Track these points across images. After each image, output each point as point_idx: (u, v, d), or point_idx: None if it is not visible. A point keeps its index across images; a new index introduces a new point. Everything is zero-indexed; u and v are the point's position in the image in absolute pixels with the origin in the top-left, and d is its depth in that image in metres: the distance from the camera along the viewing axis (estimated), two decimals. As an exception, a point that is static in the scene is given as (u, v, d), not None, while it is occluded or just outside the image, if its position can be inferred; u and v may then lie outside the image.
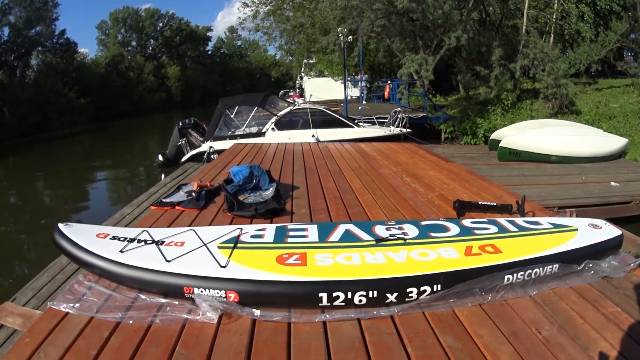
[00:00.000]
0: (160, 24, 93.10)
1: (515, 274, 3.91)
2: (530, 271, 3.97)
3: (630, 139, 15.87)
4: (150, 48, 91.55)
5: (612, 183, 11.37)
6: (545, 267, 4.02)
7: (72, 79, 57.53)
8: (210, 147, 16.76)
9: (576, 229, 4.65)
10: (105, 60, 73.35)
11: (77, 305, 3.65)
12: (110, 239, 4.21)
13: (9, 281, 9.91)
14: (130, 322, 3.45)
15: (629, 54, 33.55)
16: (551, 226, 4.75)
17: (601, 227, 4.76)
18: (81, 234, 4.19)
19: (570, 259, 4.16)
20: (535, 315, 3.62)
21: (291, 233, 4.48)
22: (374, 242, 4.23)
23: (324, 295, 3.57)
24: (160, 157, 18.46)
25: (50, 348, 3.19)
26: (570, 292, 3.99)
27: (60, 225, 4.27)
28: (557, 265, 4.06)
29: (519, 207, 5.98)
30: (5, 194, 20.81)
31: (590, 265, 4.22)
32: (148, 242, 4.22)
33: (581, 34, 29.61)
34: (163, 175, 13.87)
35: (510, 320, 3.55)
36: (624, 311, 3.69)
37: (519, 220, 4.93)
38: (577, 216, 7.44)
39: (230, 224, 5.61)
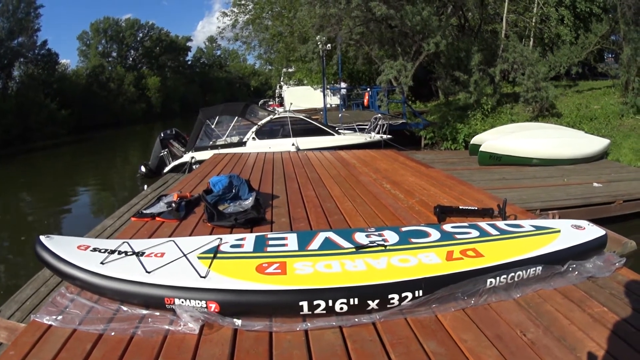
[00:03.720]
0: (141, 34, 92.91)
1: (497, 278, 3.94)
2: (513, 274, 4.00)
3: (612, 139, 16.05)
4: (131, 59, 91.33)
5: (595, 184, 11.46)
6: (529, 270, 4.06)
7: (54, 90, 57.22)
8: (192, 157, 16.74)
9: (559, 231, 4.69)
10: (86, 71, 72.99)
11: (59, 317, 3.64)
12: (91, 250, 4.19)
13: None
14: (113, 334, 3.45)
15: (610, 55, 33.82)
16: (533, 228, 4.79)
17: (584, 228, 4.82)
18: (62, 246, 4.18)
19: (553, 260, 4.20)
20: (520, 318, 3.65)
21: (271, 242, 4.48)
22: (354, 250, 4.24)
23: (304, 304, 3.57)
24: (143, 168, 18.44)
25: (35, 361, 3.19)
26: (555, 294, 4.03)
27: (42, 237, 4.24)
28: (540, 268, 4.10)
29: (500, 211, 5.99)
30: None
31: (574, 266, 4.26)
32: (129, 253, 4.20)
33: (561, 37, 29.81)
34: (146, 186, 13.83)
35: (494, 323, 3.58)
36: (611, 310, 3.73)
37: (501, 224, 4.97)
38: (559, 218, 7.51)
39: (210, 234, 5.59)
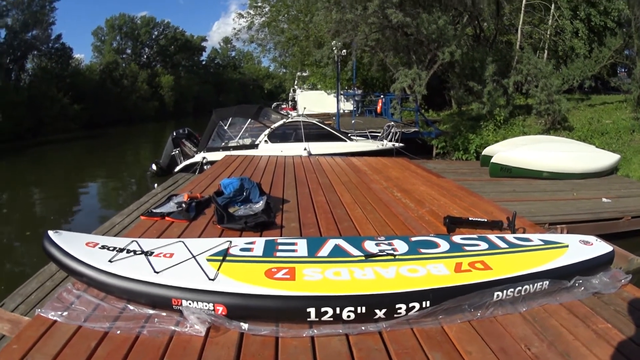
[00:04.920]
0: (156, 33, 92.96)
1: (505, 291, 3.92)
2: (520, 288, 3.98)
3: (622, 155, 15.96)
4: (145, 56, 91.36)
5: (604, 199, 11.40)
6: (536, 284, 4.04)
7: (67, 84, 57.12)
8: (204, 157, 16.74)
9: (567, 246, 4.67)
10: (99, 67, 73.00)
11: (65, 313, 3.65)
12: (100, 248, 4.21)
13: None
14: (118, 332, 3.45)
15: (623, 70, 33.63)
16: (542, 243, 4.77)
17: (592, 244, 4.79)
18: (71, 242, 4.19)
19: (560, 275, 4.19)
20: (525, 331, 3.63)
21: (280, 247, 4.48)
22: (364, 258, 4.23)
23: (312, 310, 3.57)
24: (154, 167, 18.51)
25: (38, 356, 3.19)
26: (561, 309, 4.01)
27: (50, 233, 4.25)
28: (547, 282, 4.08)
29: (509, 224, 5.99)
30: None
31: (581, 281, 4.24)
32: (137, 252, 4.22)
33: (575, 50, 29.73)
34: (156, 185, 13.82)
35: (499, 336, 3.56)
36: (614, 327, 3.70)
37: (510, 237, 4.95)
38: (568, 232, 7.49)
39: (220, 236, 5.61)
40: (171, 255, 4.19)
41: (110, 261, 3.97)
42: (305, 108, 24.23)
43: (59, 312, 3.65)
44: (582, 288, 4.23)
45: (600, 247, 4.72)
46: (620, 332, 3.63)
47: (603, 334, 3.61)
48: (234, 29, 49.90)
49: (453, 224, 6.20)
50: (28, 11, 54.73)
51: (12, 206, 18.57)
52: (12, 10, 53.19)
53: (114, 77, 71.19)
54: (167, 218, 6.47)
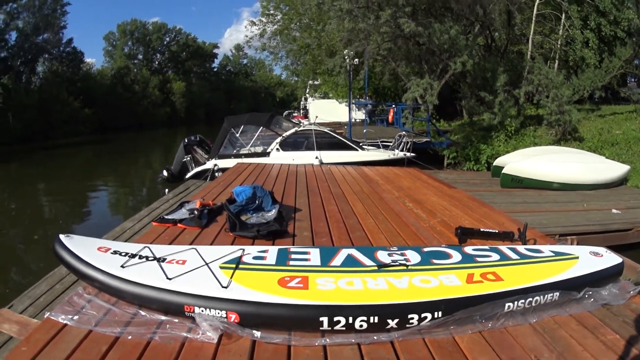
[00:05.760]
0: (167, 39, 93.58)
1: (516, 302, 3.93)
2: (531, 299, 3.99)
3: (632, 165, 15.93)
4: (157, 62, 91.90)
5: (614, 210, 11.37)
6: (546, 295, 4.05)
7: (78, 88, 57.69)
8: (215, 164, 16.78)
9: (577, 257, 4.68)
10: (111, 71, 73.64)
11: (75, 317, 3.67)
12: (112, 253, 4.24)
13: (6, 288, 9.86)
14: (129, 337, 3.46)
15: (633, 80, 33.65)
16: (552, 254, 4.78)
17: (602, 255, 4.81)
18: (82, 247, 4.22)
19: (571, 287, 4.19)
20: (535, 343, 3.63)
21: (293, 256, 4.50)
22: (376, 268, 4.24)
23: (324, 320, 3.58)
24: (165, 173, 18.53)
25: (48, 359, 3.21)
26: (570, 320, 4.01)
27: (62, 236, 4.28)
28: (557, 293, 4.09)
29: (520, 235, 5.98)
30: (6, 200, 20.80)
31: (590, 293, 4.25)
32: (149, 258, 4.24)
33: (585, 60, 29.63)
34: (167, 190, 13.86)
35: (509, 347, 3.56)
36: (623, 338, 3.71)
37: (521, 248, 4.96)
38: (578, 244, 7.49)
39: (232, 244, 5.63)
40: (184, 262, 4.21)
41: (122, 266, 3.99)
42: (317, 117, 24.24)
43: (70, 316, 3.67)
44: (592, 299, 4.25)
45: (610, 259, 4.74)
46: (629, 344, 3.64)
47: (612, 345, 3.62)
48: (246, 36, 50.40)
49: (464, 235, 6.20)
50: (39, 14, 55.38)
51: (21, 208, 18.62)
52: (23, 13, 53.77)
53: (125, 82, 71.75)
54: (179, 225, 6.47)
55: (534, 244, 5.75)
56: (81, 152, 40.76)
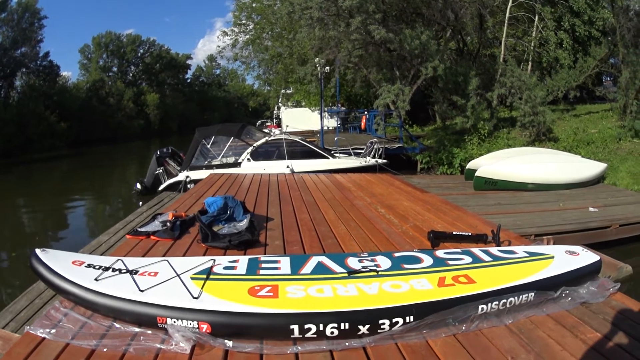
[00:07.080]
0: (141, 50, 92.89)
1: (489, 304, 3.98)
2: (505, 300, 4.03)
3: (609, 163, 16.15)
4: (131, 74, 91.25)
5: (591, 209, 11.50)
6: (521, 296, 4.10)
7: (54, 102, 57.11)
8: (187, 176, 16.76)
9: (552, 257, 4.73)
10: (86, 84, 73.06)
11: (53, 331, 3.69)
12: (86, 266, 4.26)
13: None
14: (105, 350, 3.48)
15: (608, 78, 33.80)
16: (527, 255, 4.83)
17: (578, 254, 4.86)
18: (57, 261, 4.24)
19: (546, 286, 4.24)
20: (511, 344, 3.67)
21: (263, 265, 4.52)
22: (347, 275, 4.27)
23: (295, 327, 3.61)
24: (139, 185, 18.48)
25: (28, 372, 3.22)
26: (548, 320, 4.05)
27: (38, 251, 4.31)
28: (532, 294, 4.14)
29: (494, 237, 6.05)
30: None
31: (568, 292, 4.30)
32: (122, 271, 4.25)
33: (559, 60, 29.88)
34: (141, 203, 13.85)
35: (485, 349, 3.60)
36: (604, 336, 3.76)
37: (494, 250, 5.01)
38: (554, 243, 7.57)
39: (204, 254, 5.66)
40: (156, 273, 4.23)
41: (96, 279, 4.01)
42: (287, 126, 24.42)
43: (47, 330, 3.69)
44: (569, 298, 4.29)
45: (586, 257, 4.79)
46: (610, 341, 3.69)
47: (592, 343, 3.66)
48: (219, 46, 50.32)
49: (437, 239, 6.25)
50: (17, 28, 54.81)
51: (1, 224, 18.51)
52: (2, 27, 53.26)
53: (100, 95, 71.27)
54: (152, 237, 6.50)
55: (509, 245, 5.83)
56: (57, 166, 40.48)
